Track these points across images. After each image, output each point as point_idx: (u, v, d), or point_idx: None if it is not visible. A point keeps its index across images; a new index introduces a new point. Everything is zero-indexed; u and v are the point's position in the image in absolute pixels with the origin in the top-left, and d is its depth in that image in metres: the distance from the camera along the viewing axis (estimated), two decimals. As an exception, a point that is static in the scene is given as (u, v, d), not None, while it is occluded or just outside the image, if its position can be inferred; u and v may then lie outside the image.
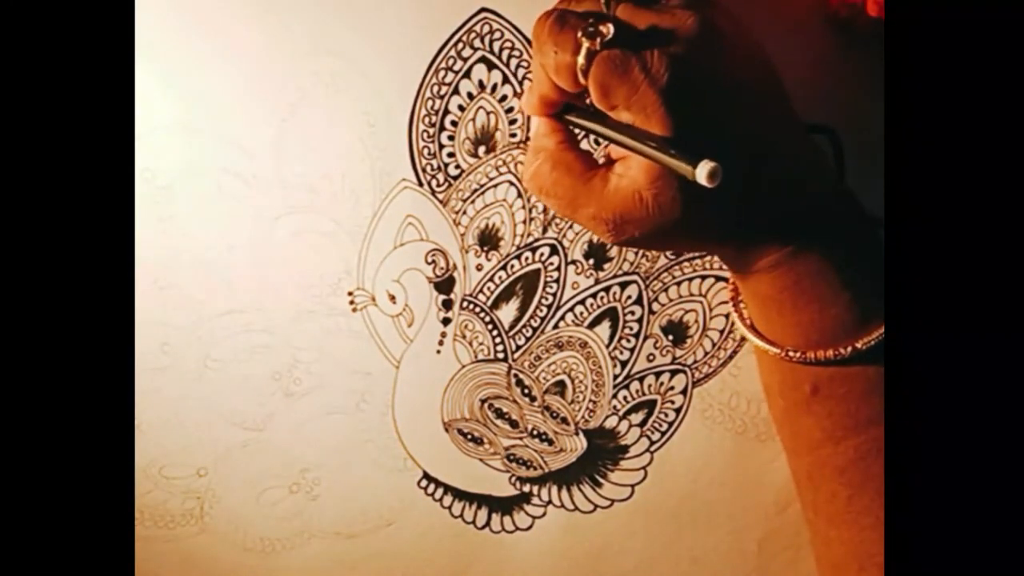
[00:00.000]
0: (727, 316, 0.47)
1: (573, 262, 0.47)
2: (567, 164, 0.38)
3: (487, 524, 0.51)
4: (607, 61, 0.34)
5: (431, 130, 0.45)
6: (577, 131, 0.40)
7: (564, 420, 0.49)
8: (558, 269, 0.47)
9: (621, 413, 0.49)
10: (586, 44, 0.34)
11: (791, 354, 0.39)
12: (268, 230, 0.47)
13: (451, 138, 0.45)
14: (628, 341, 0.48)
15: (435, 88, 0.45)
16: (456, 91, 0.45)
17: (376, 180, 0.46)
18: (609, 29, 0.33)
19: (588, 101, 0.36)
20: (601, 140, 0.42)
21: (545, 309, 0.48)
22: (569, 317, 0.48)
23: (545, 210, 0.47)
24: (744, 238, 0.38)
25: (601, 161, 0.39)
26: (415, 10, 0.44)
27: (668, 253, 0.47)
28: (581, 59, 0.34)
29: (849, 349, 0.37)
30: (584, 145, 0.43)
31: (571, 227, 0.47)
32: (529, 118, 0.45)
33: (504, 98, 0.45)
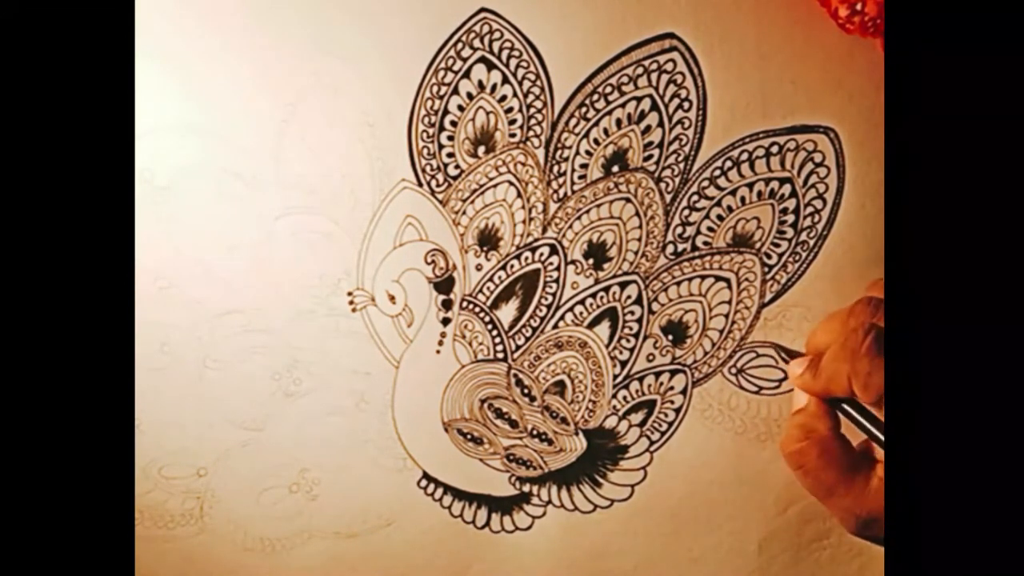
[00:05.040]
0: (727, 316, 0.47)
1: (573, 262, 0.47)
2: (835, 454, 0.40)
3: (487, 524, 0.51)
4: None
5: (431, 130, 0.45)
6: (842, 417, 0.41)
7: (564, 420, 0.49)
8: (558, 269, 0.47)
9: (621, 413, 0.49)
10: None
11: None
12: (268, 230, 0.47)
13: (451, 138, 0.45)
14: (628, 341, 0.48)
15: (435, 88, 0.45)
16: (456, 91, 0.45)
17: (376, 180, 0.46)
18: None
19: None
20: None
21: (545, 309, 0.48)
22: (569, 317, 0.48)
23: (545, 210, 0.47)
24: None
25: (855, 446, 0.40)
26: (415, 10, 0.44)
27: (667, 252, 0.47)
28: None
29: None
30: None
31: (571, 227, 0.47)
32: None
33: (504, 98, 0.45)
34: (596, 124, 0.45)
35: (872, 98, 0.44)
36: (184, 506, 0.51)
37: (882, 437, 0.38)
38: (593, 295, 0.48)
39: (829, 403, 0.41)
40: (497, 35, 0.44)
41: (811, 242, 0.46)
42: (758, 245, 0.46)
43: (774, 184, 0.45)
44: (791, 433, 0.41)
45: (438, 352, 0.49)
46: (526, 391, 0.49)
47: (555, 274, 0.47)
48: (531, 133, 0.45)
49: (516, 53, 0.44)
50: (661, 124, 0.45)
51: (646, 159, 0.45)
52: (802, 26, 0.43)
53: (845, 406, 0.40)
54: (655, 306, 0.48)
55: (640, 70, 0.44)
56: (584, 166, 0.46)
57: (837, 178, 0.45)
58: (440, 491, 0.51)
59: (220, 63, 0.44)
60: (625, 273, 0.47)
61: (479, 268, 0.47)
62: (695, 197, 0.46)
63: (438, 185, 0.46)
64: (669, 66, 0.44)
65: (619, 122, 0.45)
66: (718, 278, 0.47)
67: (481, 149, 0.46)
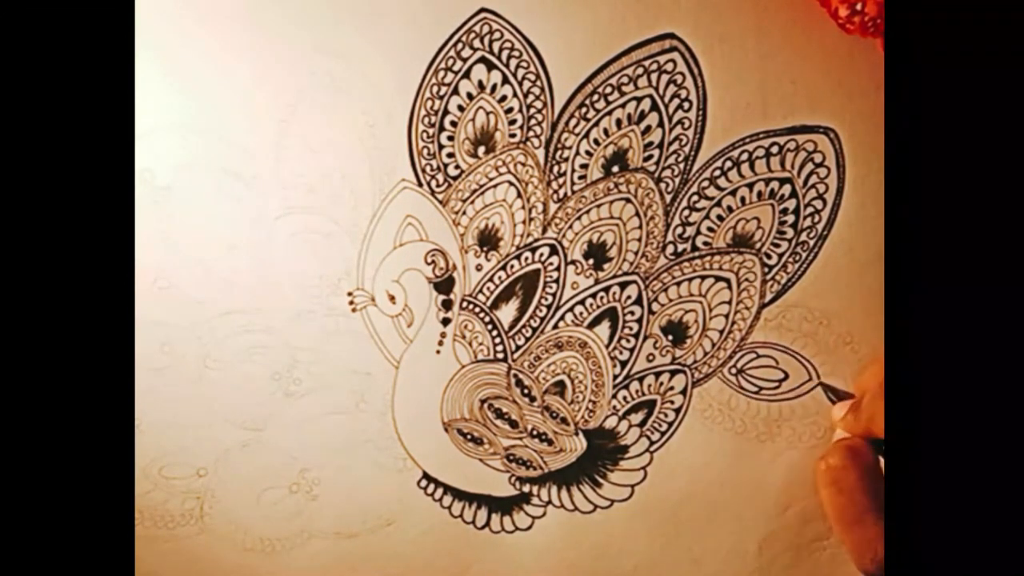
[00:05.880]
0: (727, 316, 0.47)
1: (573, 262, 0.47)
2: (874, 480, 0.39)
3: (487, 524, 0.51)
4: None
5: (431, 130, 0.45)
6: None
7: (564, 420, 0.49)
8: (558, 269, 0.47)
9: (621, 413, 0.49)
10: None
11: None
12: (268, 230, 0.47)
13: (451, 138, 0.46)
14: (628, 341, 0.48)
15: (435, 88, 0.45)
16: (456, 91, 0.45)
17: (376, 180, 0.46)
18: None
19: None
20: None
21: (545, 309, 0.48)
22: (569, 317, 0.48)
23: (545, 210, 0.47)
24: None
25: None
26: (415, 10, 0.44)
27: (667, 253, 0.47)
28: None
29: None
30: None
31: (571, 227, 0.47)
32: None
33: (504, 98, 0.45)
34: (596, 124, 0.45)
35: (872, 98, 0.44)
36: (184, 506, 0.51)
37: None
38: (593, 295, 0.48)
39: (872, 444, 0.41)
40: (497, 35, 0.44)
41: (811, 242, 0.46)
42: (758, 245, 0.46)
43: (774, 184, 0.45)
44: (836, 450, 0.40)
45: (438, 352, 0.49)
46: (526, 391, 0.49)
47: (555, 274, 0.47)
48: (531, 133, 0.45)
49: (516, 53, 0.44)
50: (661, 124, 0.45)
51: (646, 159, 0.45)
52: (802, 26, 0.43)
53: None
54: (655, 306, 0.48)
55: (640, 70, 0.44)
56: (584, 166, 0.46)
57: (837, 178, 0.45)
58: (440, 491, 0.51)
59: (220, 63, 0.44)
60: (625, 273, 0.47)
61: (479, 268, 0.47)
62: (695, 197, 0.46)
63: (438, 185, 0.46)
64: (669, 66, 0.44)
65: (619, 122, 0.45)
66: (718, 278, 0.47)
67: (481, 149, 0.46)
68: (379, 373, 0.49)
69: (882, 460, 0.41)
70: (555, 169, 0.46)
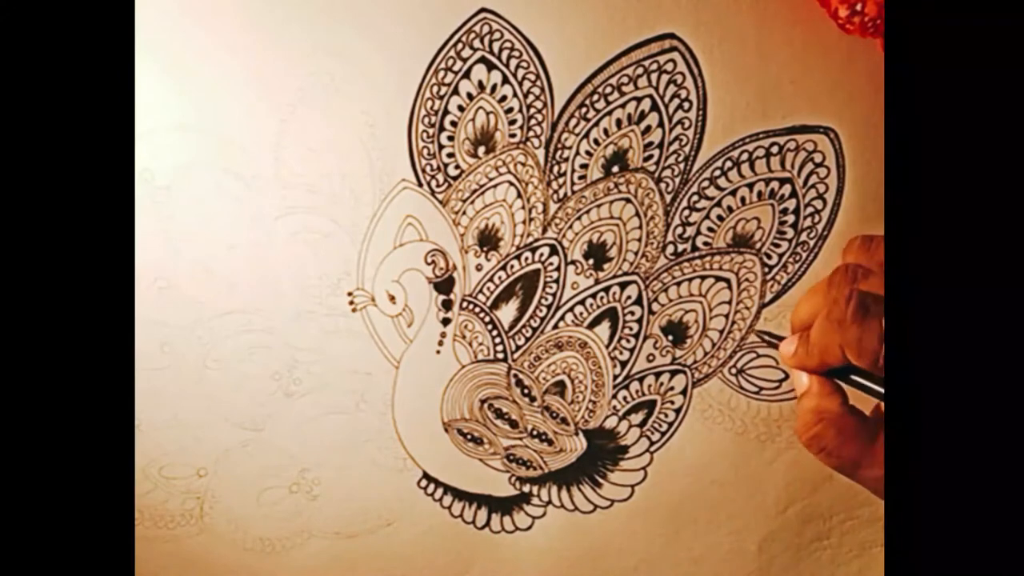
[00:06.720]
0: (727, 316, 0.47)
1: (573, 262, 0.47)
2: (853, 428, 0.39)
3: (487, 524, 0.51)
4: None
5: (431, 130, 0.45)
6: (847, 387, 0.40)
7: (564, 420, 0.49)
8: (558, 269, 0.47)
9: (621, 413, 0.49)
10: None
11: None
12: (268, 230, 0.47)
13: (451, 138, 0.46)
14: (628, 341, 0.48)
15: (435, 88, 0.45)
16: (456, 91, 0.45)
17: (376, 180, 0.46)
18: None
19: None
20: None
21: (545, 309, 0.48)
22: (569, 317, 0.48)
23: (545, 210, 0.47)
24: None
25: (868, 414, 0.40)
26: (415, 10, 0.44)
27: (667, 253, 0.47)
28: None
29: None
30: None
31: (571, 227, 0.47)
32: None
33: (504, 98, 0.45)
34: (596, 124, 0.45)
35: (872, 98, 0.44)
36: (184, 506, 0.51)
37: None
38: (593, 295, 0.48)
39: (831, 375, 0.40)
40: (497, 35, 0.44)
41: (811, 242, 0.46)
42: (758, 245, 0.46)
43: (774, 184, 0.45)
44: (804, 419, 0.40)
45: (438, 352, 0.49)
46: (526, 391, 0.49)
47: (555, 274, 0.47)
48: (531, 133, 0.45)
49: (516, 53, 0.44)
50: (661, 124, 0.45)
51: (646, 159, 0.45)
52: (802, 26, 0.43)
53: (851, 376, 0.39)
54: (655, 306, 0.48)
55: (640, 70, 0.44)
56: (584, 166, 0.46)
57: (837, 178, 0.45)
58: (440, 491, 0.51)
59: (220, 63, 0.44)
60: (625, 273, 0.47)
61: (479, 268, 0.47)
62: (695, 197, 0.46)
63: (438, 185, 0.46)
64: (669, 66, 0.44)
65: (619, 122, 0.45)
66: (718, 278, 0.47)
67: (481, 149, 0.46)
68: (379, 373, 0.49)
69: (847, 387, 0.40)
70: (555, 169, 0.46)
